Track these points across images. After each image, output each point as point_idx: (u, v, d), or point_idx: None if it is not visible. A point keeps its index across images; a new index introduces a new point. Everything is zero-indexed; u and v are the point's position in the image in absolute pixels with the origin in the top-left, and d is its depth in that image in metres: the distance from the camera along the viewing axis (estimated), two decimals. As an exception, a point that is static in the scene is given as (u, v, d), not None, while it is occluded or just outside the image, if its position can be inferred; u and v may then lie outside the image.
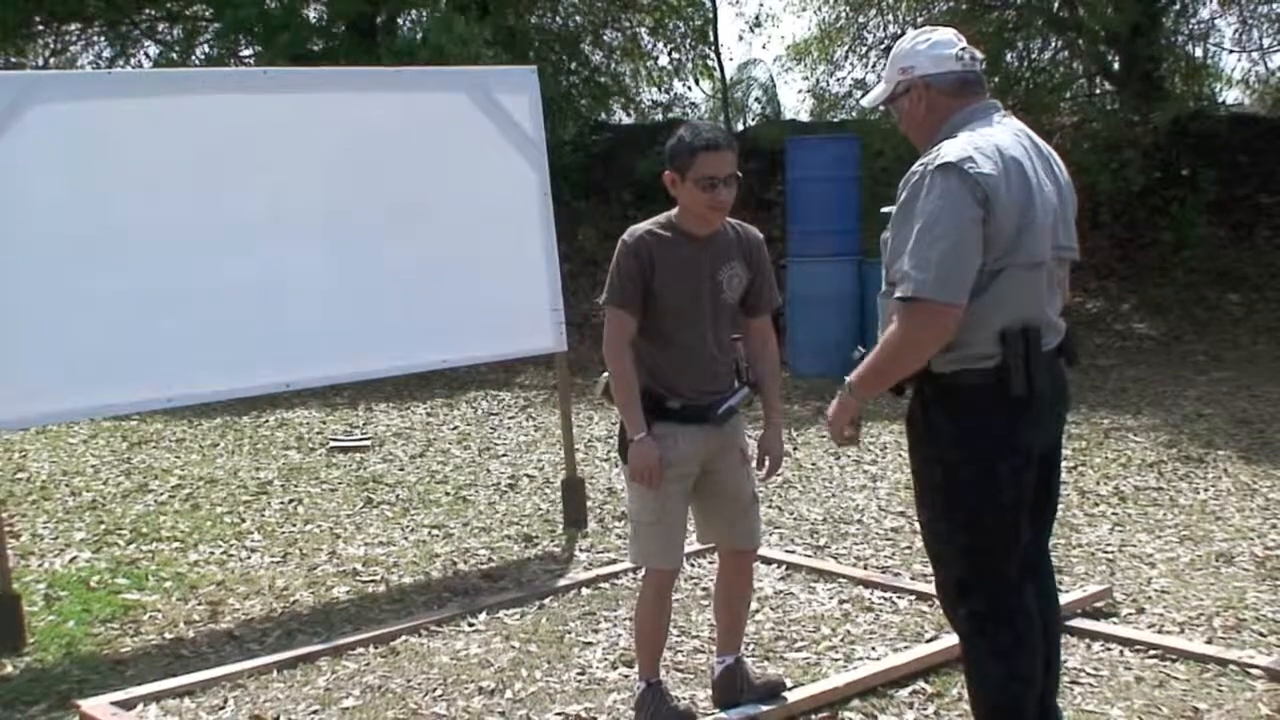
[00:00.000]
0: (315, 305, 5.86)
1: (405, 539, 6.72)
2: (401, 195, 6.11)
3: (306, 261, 5.85)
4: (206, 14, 18.63)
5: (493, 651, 4.94)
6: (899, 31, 18.09)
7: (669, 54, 20.01)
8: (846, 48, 18.05)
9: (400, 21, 17.85)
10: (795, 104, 24.92)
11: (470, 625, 5.25)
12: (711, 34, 20.04)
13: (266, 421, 10.31)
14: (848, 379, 3.27)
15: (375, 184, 6.04)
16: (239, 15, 15.65)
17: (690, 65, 20.30)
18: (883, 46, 18.08)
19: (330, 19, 17.55)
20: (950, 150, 3.12)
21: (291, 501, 7.62)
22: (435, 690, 4.57)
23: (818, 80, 18.82)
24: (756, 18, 25.11)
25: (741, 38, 29.61)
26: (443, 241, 6.21)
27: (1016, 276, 3.16)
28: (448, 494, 7.70)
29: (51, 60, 20.16)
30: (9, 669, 5.05)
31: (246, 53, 18.23)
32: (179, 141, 5.56)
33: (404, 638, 5.11)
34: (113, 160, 5.41)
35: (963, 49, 3.35)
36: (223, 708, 4.52)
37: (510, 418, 10.31)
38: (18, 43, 19.35)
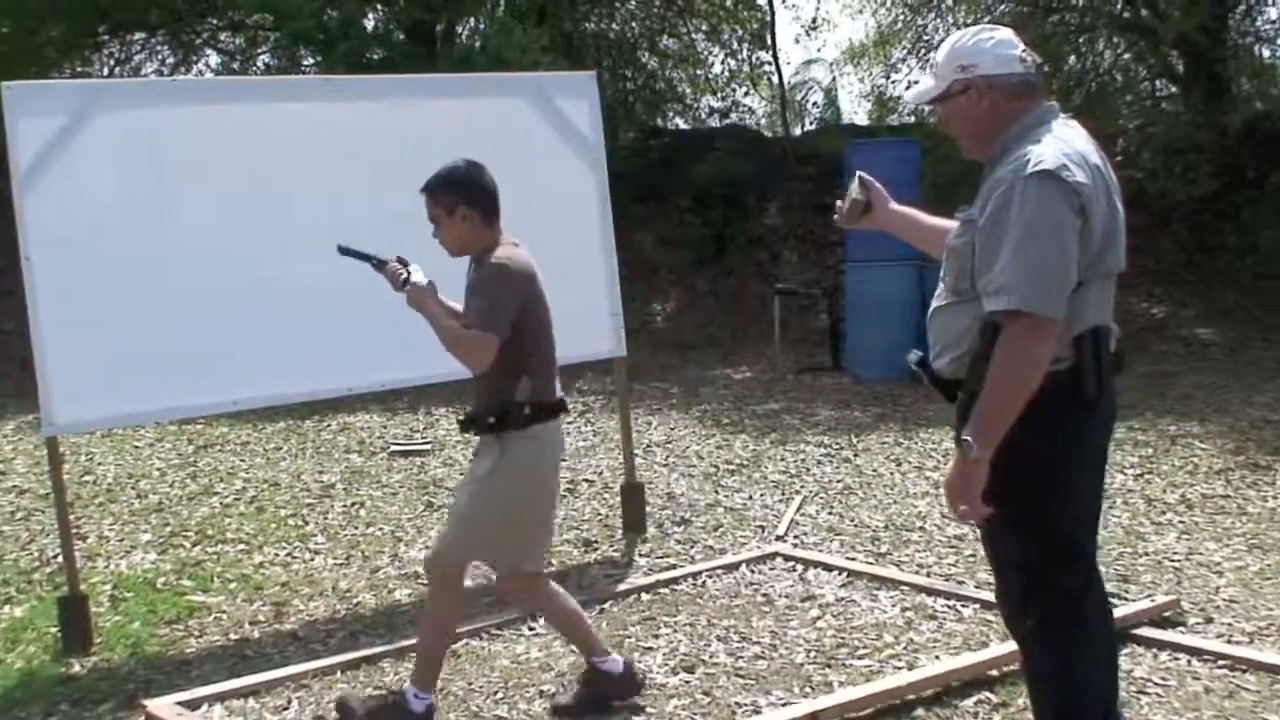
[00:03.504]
0: (376, 310, 5.85)
1: (466, 543, 6.73)
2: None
3: (369, 267, 5.87)
4: (267, 24, 18.81)
5: (553, 655, 4.95)
6: (959, 34, 18.01)
7: (723, 60, 20.00)
8: (905, 50, 17.96)
9: (459, 30, 17.96)
10: (852, 108, 24.82)
11: (530, 629, 5.26)
12: (769, 38, 20.00)
13: (329, 425, 10.38)
14: (962, 438, 3.06)
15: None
16: (299, 25, 15.79)
17: (747, 70, 20.28)
18: (942, 49, 18.01)
19: (389, 28, 17.69)
20: (1045, 157, 3.02)
21: (354, 504, 7.67)
22: (496, 693, 4.59)
23: (875, 84, 18.77)
24: (813, 20, 25.11)
25: (798, 41, 29.51)
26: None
27: (1096, 286, 3.12)
28: (508, 498, 7.69)
29: (116, 70, 20.44)
30: (76, 668, 5.13)
31: (308, 62, 18.40)
32: (242, 148, 5.62)
33: (465, 640, 5.12)
34: (177, 167, 5.48)
35: (1024, 50, 3.27)
36: (287, 708, 4.56)
37: (569, 423, 10.30)
38: (84, 53, 19.64)
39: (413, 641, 5.07)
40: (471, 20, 17.76)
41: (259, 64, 19.41)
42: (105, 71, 20.10)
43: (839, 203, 3.78)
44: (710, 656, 4.87)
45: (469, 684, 4.68)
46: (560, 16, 17.23)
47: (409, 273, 4.37)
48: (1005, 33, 3.29)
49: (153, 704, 4.55)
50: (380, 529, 7.08)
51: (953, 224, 3.48)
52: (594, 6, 18.98)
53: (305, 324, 5.67)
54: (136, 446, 9.81)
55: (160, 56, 20.76)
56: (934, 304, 3.33)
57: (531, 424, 4.15)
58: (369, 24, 17.98)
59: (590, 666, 4.41)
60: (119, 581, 6.27)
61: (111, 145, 5.34)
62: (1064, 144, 3.09)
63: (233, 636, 5.45)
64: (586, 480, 8.10)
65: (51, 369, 5.22)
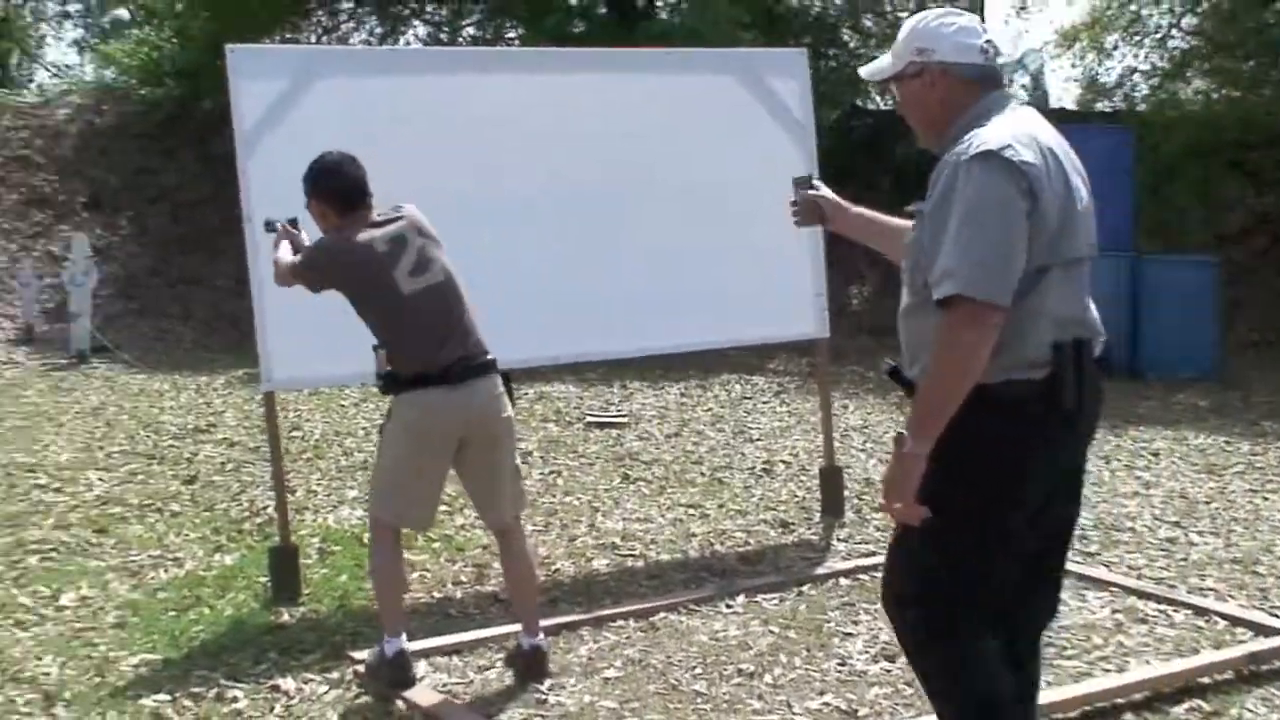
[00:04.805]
0: (580, 282, 5.92)
1: (662, 516, 6.78)
2: (670, 175, 6.12)
3: (572, 239, 5.91)
4: (474, -4, 19.15)
5: (751, 634, 4.92)
6: (1173, 21, 17.36)
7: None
8: (1119, 35, 17.42)
9: (659, 4, 18.00)
10: (1060, 92, 24.15)
11: (728, 607, 5.24)
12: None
13: (526, 394, 10.49)
14: (899, 432, 2.89)
15: (644, 164, 6.06)
16: (505, -2, 16.05)
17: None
18: (1158, 35, 17.37)
19: (591, 2, 17.82)
20: (988, 137, 2.85)
21: (551, 473, 7.77)
22: (695, 668, 4.58)
23: (1087, 68, 18.24)
24: (1023, 2, 24.47)
25: (1007, 23, 28.79)
26: (709, 222, 6.19)
27: (1061, 275, 2.91)
28: (703, 475, 7.73)
29: (324, 38, 21.04)
30: (285, 618, 5.27)
31: (511, 35, 18.68)
32: (453, 118, 5.70)
33: (663, 614, 5.14)
34: (391, 133, 5.56)
35: (987, 41, 3.08)
36: (490, 668, 4.62)
37: (764, 402, 10.29)
38: (294, 20, 20.26)
39: (612, 610, 5.16)
40: (675, -5, 17.79)
41: (464, 35, 19.77)
42: (313, 40, 20.71)
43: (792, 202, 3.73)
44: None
45: (667, 657, 4.69)
46: (763, -8, 17.15)
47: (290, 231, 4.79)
48: (969, 19, 3.11)
49: (361, 656, 4.66)
50: (578, 498, 7.17)
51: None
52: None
53: (508, 292, 5.69)
54: (342, 405, 10.10)
55: (367, 27, 21.32)
56: (900, 308, 3.13)
57: (396, 393, 4.40)
58: (572, -2, 18.15)
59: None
60: (326, 535, 6.46)
61: (330, 110, 5.46)
62: (1013, 125, 2.92)
63: (436, 595, 5.56)
64: (783, 461, 8.06)
65: (270, 327, 5.38)
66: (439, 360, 4.33)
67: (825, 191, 3.76)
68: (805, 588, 5.48)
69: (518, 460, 4.69)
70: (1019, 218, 2.80)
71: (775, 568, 5.84)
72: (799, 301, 6.50)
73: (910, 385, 3.05)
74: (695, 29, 14.60)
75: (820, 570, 5.70)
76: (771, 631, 4.95)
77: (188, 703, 4.37)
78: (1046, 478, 3.00)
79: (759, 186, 6.34)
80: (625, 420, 9.40)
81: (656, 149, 6.10)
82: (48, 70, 34.19)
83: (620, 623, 5.05)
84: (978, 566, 3.01)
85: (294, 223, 4.76)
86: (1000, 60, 3.15)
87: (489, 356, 4.46)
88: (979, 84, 3.05)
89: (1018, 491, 2.96)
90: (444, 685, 4.50)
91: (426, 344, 4.35)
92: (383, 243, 4.39)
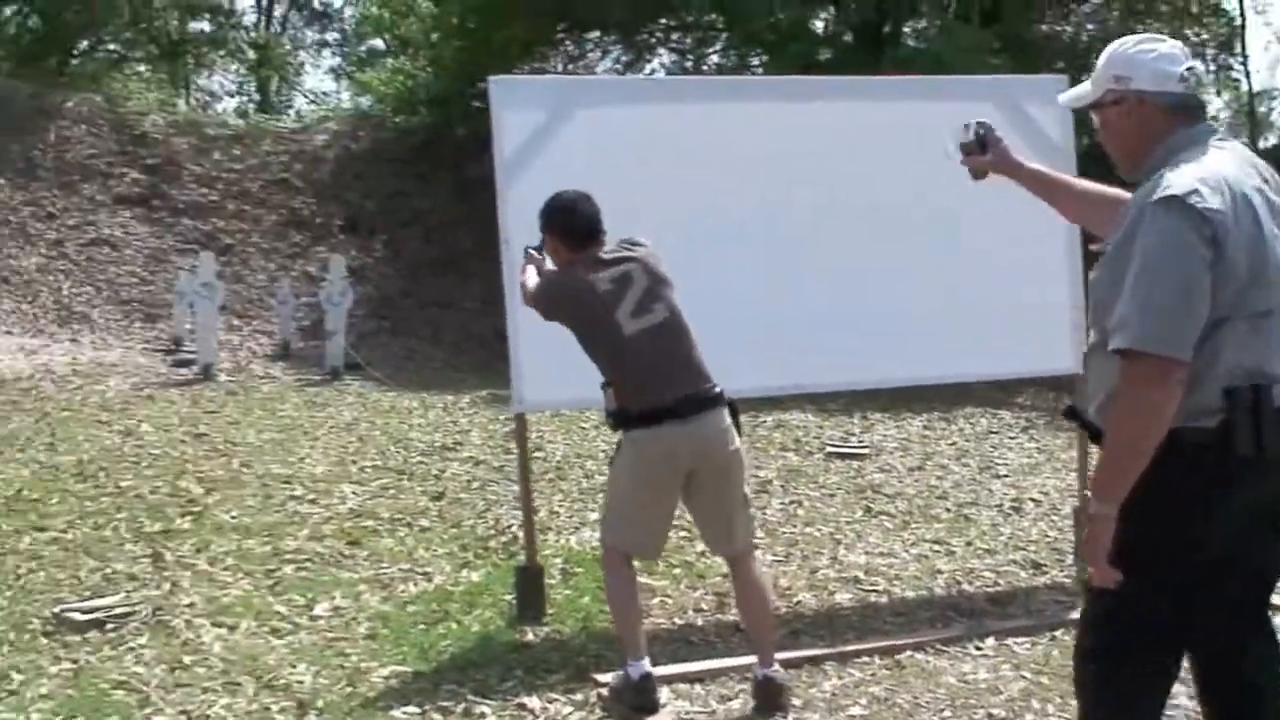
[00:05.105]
0: (825, 311, 5.84)
1: (906, 552, 6.64)
2: (924, 204, 5.98)
3: (822, 268, 5.84)
4: (718, 24, 19.26)
5: (1002, 679, 4.76)
6: None
7: (1186, 65, 18.97)
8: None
9: (905, 29, 17.82)
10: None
11: (978, 649, 5.09)
12: (1239, 44, 18.80)
13: (764, 422, 10.47)
14: (1086, 494, 2.83)
15: (897, 192, 5.95)
16: (750, 26, 16.08)
17: (1212, 76, 19.12)
18: None
19: (836, 29, 17.76)
20: (1174, 180, 2.71)
21: (791, 503, 7.71)
22: (943, 711, 4.45)
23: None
24: (1287, 27, 23.43)
25: (1267, 49, 27.55)
26: (962, 252, 6.05)
27: (1246, 327, 2.74)
28: (948, 510, 7.55)
29: (570, 66, 21.49)
30: (530, 636, 5.32)
31: (755, 62, 18.72)
32: (708, 145, 5.70)
33: (909, 653, 5.02)
34: (647, 162, 5.60)
35: (1189, 69, 2.92)
36: (732, 699, 4.58)
37: (1011, 438, 10.01)
38: (542, 50, 20.77)
39: (856, 646, 5.06)
40: (922, 21, 17.58)
41: (709, 63, 19.93)
42: (560, 69, 21.17)
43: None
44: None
45: (914, 698, 4.57)
46: (1014, 18, 16.78)
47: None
48: (1170, 46, 2.96)
49: (605, 679, 4.67)
50: (819, 529, 7.08)
51: (1107, 190, 3.29)
52: (1050, 8, 18.41)
53: (752, 321, 5.66)
54: (582, 428, 10.23)
55: (613, 55, 21.71)
56: (1087, 345, 3.01)
57: (624, 429, 4.49)
58: (816, 26, 18.12)
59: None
60: (569, 556, 6.53)
61: (586, 139, 5.53)
62: (1204, 168, 2.76)
63: (677, 621, 5.55)
64: (1033, 500, 7.82)
65: (523, 350, 5.48)
66: (665, 398, 4.36)
67: (995, 154, 3.63)
68: (1059, 633, 5.25)
69: (748, 490, 4.67)
70: (1201, 267, 2.69)
71: (1026, 610, 5.64)
72: (1055, 335, 6.27)
73: (1087, 424, 2.99)
74: (940, 55, 14.39)
75: (1074, 615, 5.45)
76: (1024, 677, 4.78)
77: (436, 716, 4.45)
78: (1227, 523, 2.84)
79: (1014, 217, 6.14)
80: (866, 451, 9.26)
81: (917, 178, 5.97)
82: (305, 97, 36.04)
83: (865, 659, 4.95)
84: (1166, 619, 2.90)
85: (539, 249, 4.86)
86: (1202, 90, 3.06)
87: (716, 389, 4.45)
88: (1177, 114, 2.95)
89: (1198, 536, 2.83)
90: (686, 713, 4.48)
91: (651, 383, 4.39)
92: (606, 282, 4.45)
